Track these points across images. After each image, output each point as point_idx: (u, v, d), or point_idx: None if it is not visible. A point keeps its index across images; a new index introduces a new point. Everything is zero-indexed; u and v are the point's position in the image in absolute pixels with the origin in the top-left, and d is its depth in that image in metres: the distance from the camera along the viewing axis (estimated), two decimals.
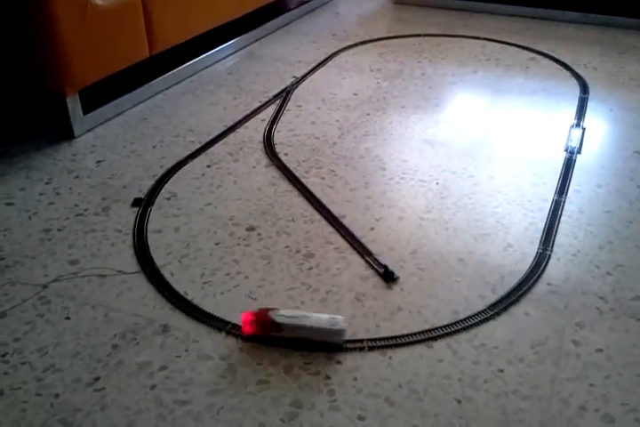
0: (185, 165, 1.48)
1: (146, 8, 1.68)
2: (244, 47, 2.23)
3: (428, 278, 1.13)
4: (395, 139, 1.61)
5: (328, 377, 0.93)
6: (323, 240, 1.23)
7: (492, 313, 1.05)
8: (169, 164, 1.48)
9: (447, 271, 1.15)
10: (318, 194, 1.37)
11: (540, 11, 2.61)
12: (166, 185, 1.40)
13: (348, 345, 0.98)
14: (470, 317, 1.04)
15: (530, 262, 1.17)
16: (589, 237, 1.25)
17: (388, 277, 1.12)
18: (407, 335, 1.00)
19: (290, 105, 1.79)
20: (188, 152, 1.53)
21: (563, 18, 2.59)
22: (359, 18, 2.60)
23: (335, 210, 1.32)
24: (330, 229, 1.26)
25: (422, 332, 1.01)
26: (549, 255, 1.19)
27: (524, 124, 1.71)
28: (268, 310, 0.98)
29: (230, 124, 1.68)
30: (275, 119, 1.71)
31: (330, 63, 2.10)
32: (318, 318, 0.98)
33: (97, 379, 0.92)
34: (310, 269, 1.15)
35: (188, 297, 1.08)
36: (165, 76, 1.88)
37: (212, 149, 1.55)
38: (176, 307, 1.05)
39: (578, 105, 1.82)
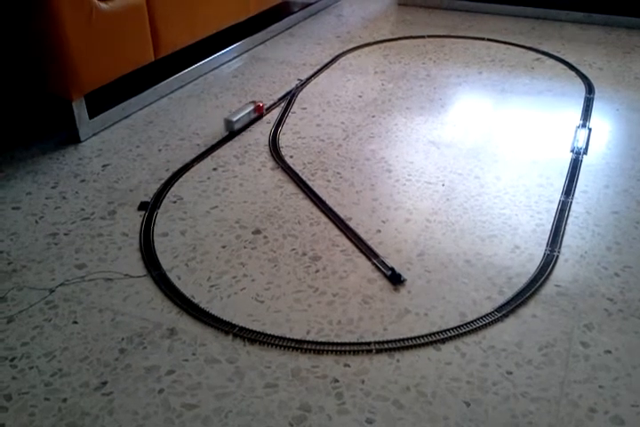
0: (191, 168, 1.48)
1: (151, 12, 1.68)
2: (248, 50, 2.24)
3: (436, 280, 1.13)
4: (400, 140, 1.61)
5: (336, 380, 0.92)
6: (329, 243, 1.22)
7: (499, 315, 1.04)
8: (175, 167, 1.48)
9: (454, 273, 1.14)
10: (324, 196, 1.37)
11: (545, 11, 2.61)
12: (172, 188, 1.40)
13: (356, 348, 0.98)
14: (478, 319, 1.04)
15: (537, 264, 1.17)
16: (597, 238, 1.24)
17: (395, 279, 1.12)
18: (415, 338, 1.00)
19: (295, 107, 1.79)
20: (194, 155, 1.53)
21: (567, 18, 2.58)
22: (363, 20, 2.60)
23: (341, 212, 1.32)
24: (336, 231, 1.26)
25: (430, 334, 1.01)
26: (557, 257, 1.19)
27: (530, 124, 1.70)
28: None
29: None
30: (280, 122, 1.71)
31: (334, 65, 2.10)
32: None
33: (105, 383, 0.92)
34: (317, 271, 1.15)
35: (195, 300, 1.08)
36: (170, 79, 1.89)
37: (217, 151, 1.55)
38: (183, 310, 1.05)
39: (584, 105, 1.81)
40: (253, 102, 1.71)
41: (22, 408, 0.87)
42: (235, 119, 1.63)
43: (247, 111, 1.68)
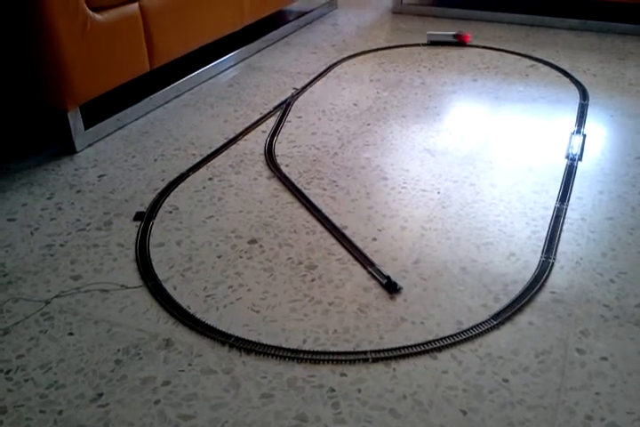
0: (186, 178, 1.48)
1: (146, 22, 1.69)
2: (244, 59, 2.24)
3: (432, 288, 1.13)
4: (395, 148, 1.61)
5: (332, 390, 0.92)
6: (325, 251, 1.22)
7: (495, 323, 1.04)
8: (170, 177, 1.48)
9: (450, 281, 1.14)
10: (320, 205, 1.37)
11: (539, 18, 2.62)
12: (168, 198, 1.40)
13: (352, 357, 0.98)
14: (474, 326, 1.04)
15: (533, 271, 1.17)
16: (592, 244, 1.24)
17: (391, 287, 1.12)
18: (411, 346, 1.00)
19: (290, 116, 1.80)
20: (190, 165, 1.54)
21: (561, 25, 2.59)
22: (358, 28, 2.61)
23: (337, 221, 1.32)
24: (332, 240, 1.26)
25: (426, 343, 1.01)
26: (552, 263, 1.19)
27: (525, 131, 1.71)
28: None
29: (231, 136, 1.68)
30: (275, 131, 1.71)
31: (329, 74, 2.11)
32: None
33: (100, 395, 0.91)
34: (313, 280, 1.15)
35: (191, 311, 1.08)
36: (166, 89, 1.89)
37: (213, 161, 1.56)
38: (179, 321, 1.05)
39: (578, 112, 1.82)
40: (460, 31, 2.24)
41: (17, 421, 0.87)
42: (431, 33, 2.26)
43: (447, 34, 2.23)
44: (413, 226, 1.30)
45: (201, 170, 1.52)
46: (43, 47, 1.44)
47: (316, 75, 2.10)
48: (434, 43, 2.24)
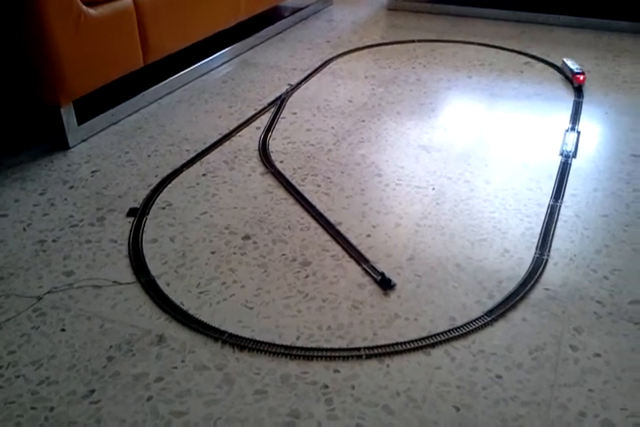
0: (180, 173, 1.48)
1: (140, 18, 1.68)
2: (238, 55, 2.24)
3: (426, 285, 1.12)
4: (390, 145, 1.61)
5: (326, 386, 0.92)
6: (319, 248, 1.22)
7: (489, 319, 1.04)
8: (164, 173, 1.48)
9: (444, 277, 1.14)
10: (314, 201, 1.37)
11: (535, 15, 2.62)
12: (161, 194, 1.39)
13: (346, 353, 0.98)
14: (468, 323, 1.04)
15: (527, 267, 1.17)
16: (586, 241, 1.24)
17: (385, 284, 1.12)
18: (405, 343, 1.00)
19: (285, 112, 1.79)
20: (184, 161, 1.53)
21: (557, 22, 2.59)
22: (353, 25, 2.60)
23: (331, 217, 1.31)
24: (326, 236, 1.26)
25: (420, 339, 1.00)
26: (546, 260, 1.19)
27: (519, 128, 1.71)
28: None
29: (225, 132, 1.68)
30: (270, 127, 1.71)
31: (324, 70, 2.10)
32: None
33: (92, 391, 0.91)
34: (307, 277, 1.15)
35: (184, 307, 1.07)
36: (160, 85, 1.88)
37: (207, 157, 1.55)
38: (172, 317, 1.05)
39: (573, 109, 1.82)
40: (581, 71, 1.96)
41: (8, 418, 0.87)
42: (566, 61, 2.07)
43: (572, 68, 2.00)
44: (408, 222, 1.30)
45: (195, 166, 1.51)
46: (36, 42, 1.43)
47: (310, 71, 2.09)
48: (559, 70, 2.10)
